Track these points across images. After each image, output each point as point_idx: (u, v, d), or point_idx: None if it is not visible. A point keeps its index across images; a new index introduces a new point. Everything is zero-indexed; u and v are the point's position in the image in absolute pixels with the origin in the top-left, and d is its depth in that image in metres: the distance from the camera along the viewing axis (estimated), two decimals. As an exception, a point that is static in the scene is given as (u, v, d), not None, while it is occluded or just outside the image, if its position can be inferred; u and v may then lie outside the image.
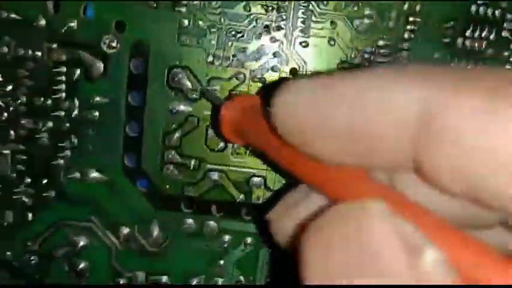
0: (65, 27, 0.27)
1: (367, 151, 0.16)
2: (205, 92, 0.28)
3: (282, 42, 0.28)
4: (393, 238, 0.13)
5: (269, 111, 0.17)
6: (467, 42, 0.27)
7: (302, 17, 0.28)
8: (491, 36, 0.28)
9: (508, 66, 0.28)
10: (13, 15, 0.28)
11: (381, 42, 0.28)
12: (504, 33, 0.28)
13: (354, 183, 0.16)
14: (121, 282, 0.31)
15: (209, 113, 0.29)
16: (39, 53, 0.28)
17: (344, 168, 0.17)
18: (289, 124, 0.17)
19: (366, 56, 0.28)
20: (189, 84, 0.28)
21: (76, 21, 0.27)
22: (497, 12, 0.27)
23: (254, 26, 0.28)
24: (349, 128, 0.15)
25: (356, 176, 0.16)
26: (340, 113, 0.16)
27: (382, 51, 0.28)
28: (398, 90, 0.15)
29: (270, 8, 0.27)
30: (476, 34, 0.27)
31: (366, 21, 0.27)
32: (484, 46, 0.28)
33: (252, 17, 0.28)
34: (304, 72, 0.28)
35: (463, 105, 0.14)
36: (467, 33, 0.27)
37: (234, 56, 0.28)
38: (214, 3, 0.27)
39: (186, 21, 0.28)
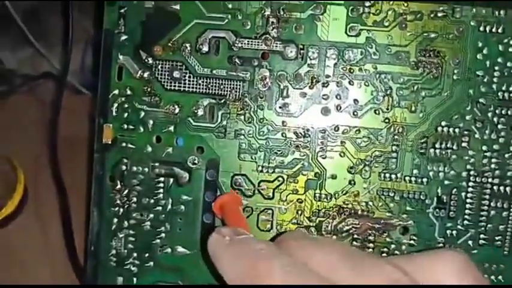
0: (164, 152, 0.41)
1: None
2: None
3: (307, 156, 0.41)
4: None
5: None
6: (437, 152, 0.40)
7: (321, 139, 0.41)
8: (454, 147, 0.40)
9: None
10: (130, 145, 0.42)
11: (376, 153, 0.40)
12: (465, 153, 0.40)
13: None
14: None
15: (261, 204, 0.41)
16: (146, 169, 0.42)
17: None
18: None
19: (366, 162, 0.40)
20: (245, 185, 0.41)
21: (171, 148, 0.42)
22: (457, 131, 0.40)
23: (289, 146, 0.41)
24: None
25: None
26: None
27: (377, 159, 0.40)
28: None
29: (300, 134, 0.41)
30: (443, 146, 0.40)
31: (365, 139, 0.40)
32: (449, 154, 0.40)
33: (287, 140, 0.41)
34: (324, 176, 0.40)
35: None
36: (437, 145, 0.40)
37: (276, 166, 0.41)
38: (262, 132, 0.41)
39: (243, 145, 0.41)
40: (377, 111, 0.40)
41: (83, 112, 0.58)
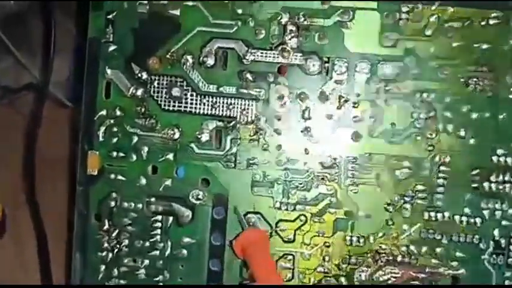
0: (162, 185, 0.35)
1: None
2: (238, 214, 0.34)
3: (335, 190, 0.34)
4: None
5: None
6: (493, 186, 0.33)
7: (351, 170, 0.34)
8: (512, 179, 0.33)
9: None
10: (120, 177, 0.35)
11: (418, 187, 0.33)
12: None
13: None
14: None
15: (280, 249, 0.34)
16: (140, 205, 0.35)
17: None
18: None
19: (407, 198, 0.33)
20: (260, 225, 0.34)
21: (170, 180, 0.35)
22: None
23: (312, 178, 0.34)
24: None
25: None
26: None
27: (420, 194, 0.33)
28: None
29: (325, 164, 0.34)
30: (500, 179, 0.33)
31: (405, 171, 0.33)
32: (507, 189, 0.33)
33: (310, 171, 0.34)
34: (356, 215, 0.34)
35: None
36: (492, 178, 0.33)
37: (297, 202, 0.34)
38: (279, 161, 0.34)
39: (257, 176, 0.34)
40: (418, 137, 0.33)
41: (67, 128, 0.51)
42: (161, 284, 0.35)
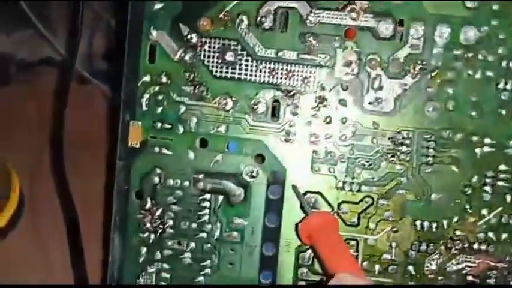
0: (212, 161, 0.31)
1: None
2: (299, 195, 0.31)
3: (406, 170, 0.31)
4: None
5: None
6: None
7: (426, 147, 0.30)
8: None
9: None
10: (164, 151, 0.32)
11: (502, 166, 0.30)
12: None
13: None
14: None
15: (342, 233, 0.31)
16: (186, 183, 0.32)
17: None
18: None
19: (488, 180, 0.30)
20: (320, 207, 0.31)
21: (221, 155, 0.31)
22: None
23: (381, 155, 0.31)
24: None
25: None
26: None
27: (503, 175, 0.30)
28: None
29: (397, 140, 0.30)
30: None
31: (487, 149, 0.30)
32: None
33: (379, 147, 0.31)
34: (428, 197, 0.30)
35: None
36: None
37: (362, 182, 0.31)
38: (344, 136, 0.31)
39: (319, 152, 0.31)
40: (503, 111, 0.29)
41: (91, 105, 0.48)
42: (209, 268, 0.32)
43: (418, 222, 0.31)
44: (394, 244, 0.31)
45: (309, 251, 0.31)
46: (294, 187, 0.31)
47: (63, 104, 0.39)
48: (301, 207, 0.31)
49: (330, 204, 0.31)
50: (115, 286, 0.33)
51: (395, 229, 0.31)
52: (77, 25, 0.40)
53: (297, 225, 0.31)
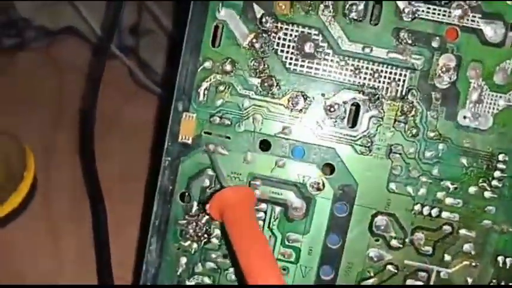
0: (272, 167, 0.27)
1: None
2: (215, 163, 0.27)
3: (500, 197, 0.27)
4: None
5: None
6: None
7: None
8: None
9: None
10: (220, 150, 0.27)
11: None
12: None
13: None
14: None
15: (412, 263, 0.27)
16: (240, 188, 0.28)
17: None
18: None
19: None
20: (392, 231, 0.27)
21: (284, 160, 0.27)
22: None
23: (472, 178, 0.27)
24: None
25: None
26: None
27: None
28: None
29: (493, 162, 0.26)
30: None
31: None
32: None
33: (470, 169, 0.27)
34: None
35: None
36: None
37: (445, 207, 0.27)
38: (430, 153, 0.27)
39: (399, 168, 0.27)
40: None
41: (117, 84, 0.43)
42: (256, 288, 0.28)
43: (500, 258, 0.27)
44: (470, 280, 0.27)
45: (372, 280, 0.28)
46: (211, 155, 0.26)
47: (97, 84, 0.34)
48: (217, 178, 0.27)
49: (403, 229, 0.27)
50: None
51: (474, 264, 0.27)
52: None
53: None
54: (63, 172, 0.39)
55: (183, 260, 0.28)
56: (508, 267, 0.27)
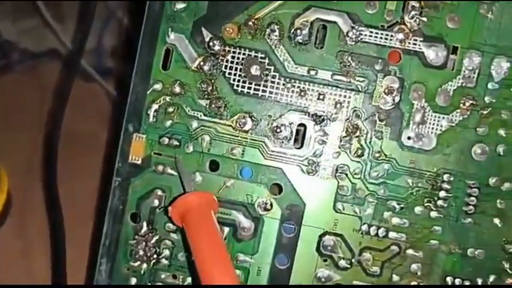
0: (221, 187, 0.27)
1: None
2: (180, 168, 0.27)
3: (445, 219, 0.27)
4: None
5: None
6: None
7: (469, 195, 0.26)
8: None
9: None
10: (169, 170, 0.28)
11: (551, 226, 0.26)
12: None
13: None
14: None
15: (360, 284, 0.27)
16: (190, 208, 0.28)
17: None
18: None
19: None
20: (339, 252, 0.27)
21: (232, 181, 0.27)
22: None
23: (416, 199, 0.27)
24: None
25: None
26: None
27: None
28: None
29: (436, 183, 0.27)
30: None
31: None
32: None
33: (414, 189, 0.27)
34: (465, 253, 0.27)
35: None
36: None
37: (391, 227, 0.27)
38: (375, 173, 0.27)
39: (345, 189, 0.27)
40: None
41: (93, 105, 0.44)
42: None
43: (449, 278, 0.27)
44: (419, 301, 0.28)
45: (323, 300, 0.28)
46: (176, 159, 0.27)
47: (64, 101, 0.35)
48: (181, 183, 0.27)
49: (351, 249, 0.27)
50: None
51: (421, 284, 0.27)
52: (88, 18, 0.37)
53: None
54: (38, 192, 0.40)
55: (133, 280, 0.28)
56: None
